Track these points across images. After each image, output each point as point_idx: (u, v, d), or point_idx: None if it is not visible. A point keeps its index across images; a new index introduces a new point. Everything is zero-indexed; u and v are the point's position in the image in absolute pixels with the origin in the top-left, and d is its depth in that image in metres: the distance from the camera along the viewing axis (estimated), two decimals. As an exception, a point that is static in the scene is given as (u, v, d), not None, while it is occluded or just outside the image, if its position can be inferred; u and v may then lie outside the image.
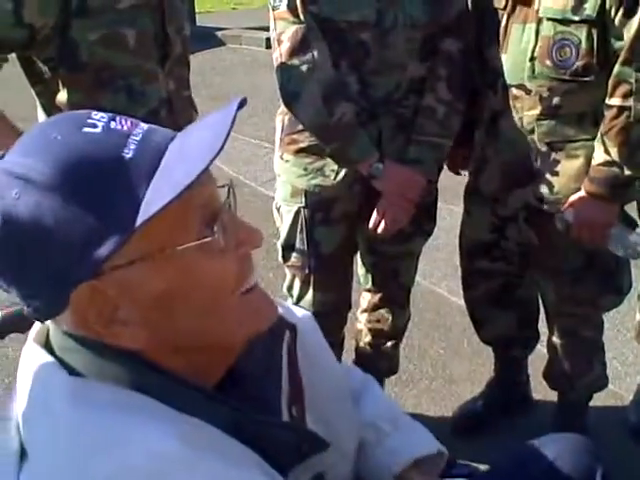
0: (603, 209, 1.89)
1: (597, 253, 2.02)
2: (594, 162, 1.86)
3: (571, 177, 1.94)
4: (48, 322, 0.87)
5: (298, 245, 2.13)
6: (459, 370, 2.82)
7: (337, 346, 2.33)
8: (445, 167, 2.27)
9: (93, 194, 0.78)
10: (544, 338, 2.45)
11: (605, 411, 2.52)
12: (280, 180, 2.16)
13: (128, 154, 0.79)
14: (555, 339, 2.29)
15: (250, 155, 4.64)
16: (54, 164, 0.78)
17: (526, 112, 1.94)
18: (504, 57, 1.93)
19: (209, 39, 7.52)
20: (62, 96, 1.87)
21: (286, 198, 2.13)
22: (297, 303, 2.20)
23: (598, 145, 1.84)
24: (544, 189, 1.98)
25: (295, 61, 1.93)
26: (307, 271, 2.15)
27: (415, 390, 2.56)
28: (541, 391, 2.57)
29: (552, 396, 2.49)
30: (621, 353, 2.80)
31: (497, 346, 2.48)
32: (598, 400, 2.46)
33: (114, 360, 0.83)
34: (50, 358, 0.85)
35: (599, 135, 1.84)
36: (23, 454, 0.83)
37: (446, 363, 2.86)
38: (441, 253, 3.36)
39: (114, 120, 0.83)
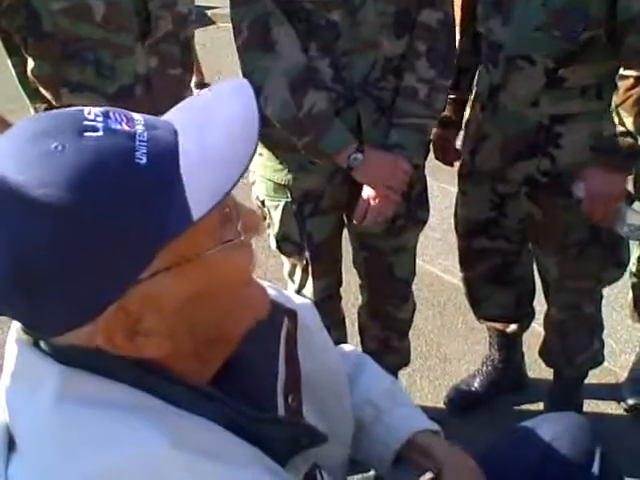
0: (616, 180, 1.88)
1: (601, 226, 2.01)
2: (606, 133, 1.83)
3: (574, 150, 1.92)
4: None
5: (292, 237, 2.04)
6: (454, 349, 2.81)
7: (340, 326, 2.29)
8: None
9: (114, 214, 0.71)
10: (539, 316, 2.44)
11: (600, 388, 2.52)
12: (257, 175, 2.05)
13: (142, 160, 0.73)
14: (556, 315, 2.28)
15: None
16: (67, 186, 0.70)
17: (530, 84, 1.90)
18: (507, 29, 1.87)
19: (199, 18, 7.41)
20: (31, 66, 1.86)
21: (269, 194, 2.02)
22: (299, 291, 2.15)
23: (610, 117, 1.82)
24: (547, 162, 1.96)
25: (255, 52, 1.80)
26: (305, 262, 2.09)
27: (410, 369, 2.54)
28: (536, 369, 2.57)
29: (547, 374, 2.49)
30: (615, 331, 2.79)
31: (493, 324, 2.46)
32: (593, 378, 2.46)
33: (108, 358, 0.79)
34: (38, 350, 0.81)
35: (612, 106, 1.81)
36: (11, 442, 0.80)
37: (441, 342, 2.85)
38: (435, 232, 3.34)
39: (109, 117, 0.76)
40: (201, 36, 6.76)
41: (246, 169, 0.73)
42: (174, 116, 0.82)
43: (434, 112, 1.93)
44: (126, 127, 0.75)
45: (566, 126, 1.92)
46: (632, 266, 2.40)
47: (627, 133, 1.81)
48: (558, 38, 1.81)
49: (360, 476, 1.30)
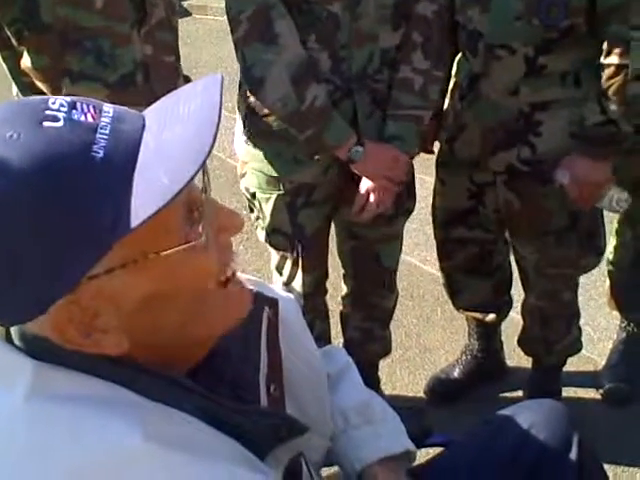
0: (601, 168, 1.89)
1: (580, 214, 2.03)
2: (589, 122, 1.85)
3: (554, 137, 1.93)
4: None
5: (283, 229, 2.04)
6: (433, 339, 2.82)
7: (325, 318, 2.30)
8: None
9: (65, 206, 0.70)
10: (516, 305, 2.46)
11: (578, 376, 2.54)
12: (248, 167, 2.04)
13: (99, 153, 0.71)
14: (534, 303, 2.30)
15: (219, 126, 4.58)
16: (17, 175, 0.69)
17: (510, 73, 1.90)
18: (485, 17, 1.87)
19: (174, 10, 7.41)
20: (27, 60, 1.83)
21: (261, 186, 2.02)
22: (288, 284, 2.15)
23: (593, 105, 1.83)
24: (527, 150, 1.96)
25: (257, 44, 1.79)
26: (295, 254, 2.09)
27: (389, 360, 2.55)
28: (514, 358, 2.59)
29: (525, 362, 2.51)
30: (594, 319, 2.82)
31: (472, 314, 2.47)
32: (571, 365, 2.48)
33: (78, 353, 0.78)
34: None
35: (595, 94, 1.83)
36: None
37: (420, 332, 2.86)
38: (412, 223, 3.32)
39: (75, 108, 0.74)
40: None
41: (199, 169, 0.71)
42: (150, 110, 0.81)
43: (429, 103, 1.95)
44: (90, 119, 0.74)
45: (546, 113, 1.93)
46: (609, 255, 2.42)
47: (610, 121, 1.82)
48: (538, 27, 1.82)
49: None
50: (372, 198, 1.91)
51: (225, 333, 0.87)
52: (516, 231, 2.19)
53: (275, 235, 2.07)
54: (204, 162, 0.71)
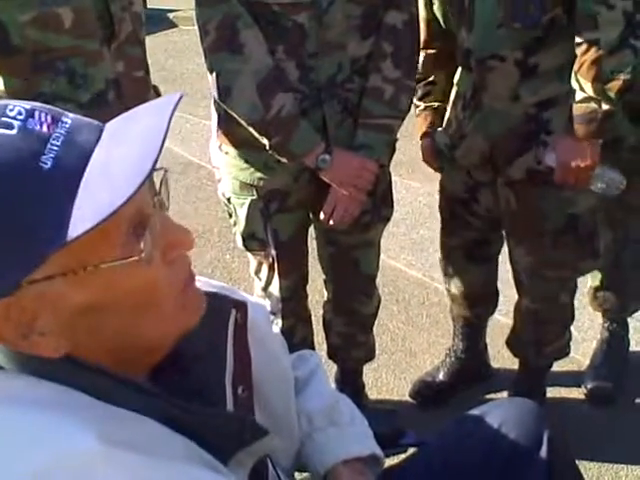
0: (584, 148, 1.88)
1: (579, 216, 2.03)
2: (572, 101, 1.85)
3: (566, 130, 1.92)
4: None
5: (258, 235, 2.05)
6: (418, 343, 2.83)
7: (306, 323, 2.30)
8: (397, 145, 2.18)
9: (8, 211, 0.72)
10: (501, 307, 2.47)
11: (562, 376, 2.55)
12: (222, 172, 2.06)
13: (46, 165, 0.72)
14: (529, 305, 2.29)
15: (205, 137, 4.59)
16: None
17: (506, 80, 1.92)
18: (471, 34, 1.90)
19: (161, 21, 7.41)
20: None
21: (235, 191, 2.03)
22: (265, 288, 2.16)
23: (574, 84, 1.83)
24: (541, 150, 1.95)
25: (223, 53, 1.80)
26: (271, 259, 2.09)
27: (375, 364, 2.55)
28: (499, 359, 2.60)
29: (510, 364, 2.52)
30: (577, 319, 2.81)
31: (461, 303, 2.47)
32: (556, 365, 2.48)
33: (35, 357, 0.79)
34: None
35: (573, 74, 1.82)
36: None
37: (405, 336, 2.87)
38: (399, 227, 3.36)
39: (32, 117, 0.75)
40: (163, 40, 6.75)
41: (136, 191, 0.72)
42: (111, 124, 0.81)
43: (399, 112, 1.95)
44: (44, 129, 0.75)
45: (552, 110, 1.93)
46: None
47: (589, 98, 1.81)
48: (520, 29, 1.83)
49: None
50: (340, 206, 1.92)
51: (178, 338, 0.88)
52: (513, 231, 2.19)
53: (250, 240, 2.08)
54: (142, 184, 0.72)
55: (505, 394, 2.47)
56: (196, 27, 1.86)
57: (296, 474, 1.24)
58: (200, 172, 4.22)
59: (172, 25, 7.39)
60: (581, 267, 2.20)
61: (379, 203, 2.09)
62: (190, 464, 0.82)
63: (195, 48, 1.84)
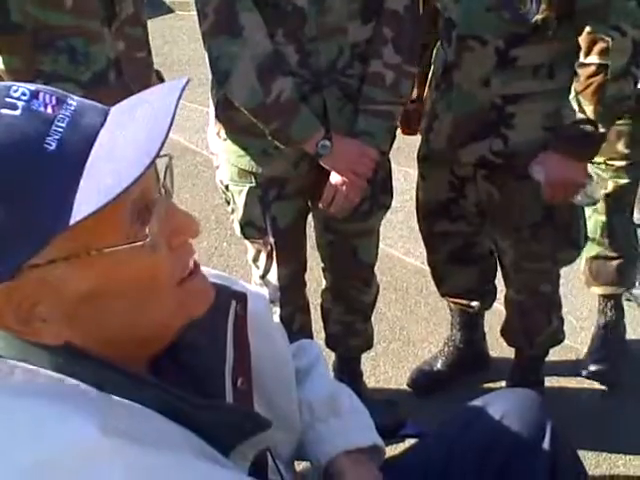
0: (577, 167, 1.89)
1: (555, 208, 2.02)
2: (566, 121, 1.84)
3: (527, 130, 1.93)
4: None
5: (257, 222, 2.03)
6: (417, 331, 2.82)
7: (304, 311, 2.29)
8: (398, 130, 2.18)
9: (11, 192, 0.71)
10: (500, 296, 2.46)
11: (561, 365, 2.55)
12: (220, 159, 2.04)
13: (51, 146, 0.72)
14: (514, 296, 2.30)
15: (202, 123, 4.58)
16: None
17: (481, 64, 1.89)
18: (458, 6, 1.86)
19: (157, 6, 7.35)
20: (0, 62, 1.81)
21: (233, 179, 2.01)
22: (264, 276, 2.15)
23: (570, 103, 1.82)
24: (499, 142, 1.96)
25: (222, 37, 1.78)
26: (269, 247, 2.08)
27: (373, 352, 2.55)
28: (497, 348, 2.59)
29: (509, 353, 2.50)
30: (576, 308, 2.83)
31: (456, 300, 2.47)
32: (554, 355, 2.49)
33: (38, 345, 0.78)
34: None
35: (572, 94, 1.82)
36: None
37: (403, 325, 2.86)
38: (396, 215, 3.34)
39: (36, 98, 0.75)
40: (159, 25, 6.70)
41: (142, 175, 0.71)
42: (116, 107, 0.80)
43: (400, 98, 1.93)
44: (49, 110, 0.74)
45: (518, 106, 1.92)
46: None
47: (587, 120, 1.81)
48: (507, 20, 1.81)
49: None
50: (339, 193, 1.91)
51: (181, 328, 0.87)
52: (495, 224, 2.19)
53: (248, 228, 2.06)
54: (148, 167, 0.71)
55: (503, 383, 2.47)
56: (193, 13, 1.84)
57: (295, 463, 1.23)
58: (197, 158, 4.20)
59: (169, 10, 7.34)
60: (560, 258, 2.20)
61: (378, 191, 2.08)
62: (191, 455, 0.81)
63: (192, 34, 1.83)
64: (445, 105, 2.02)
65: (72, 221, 0.71)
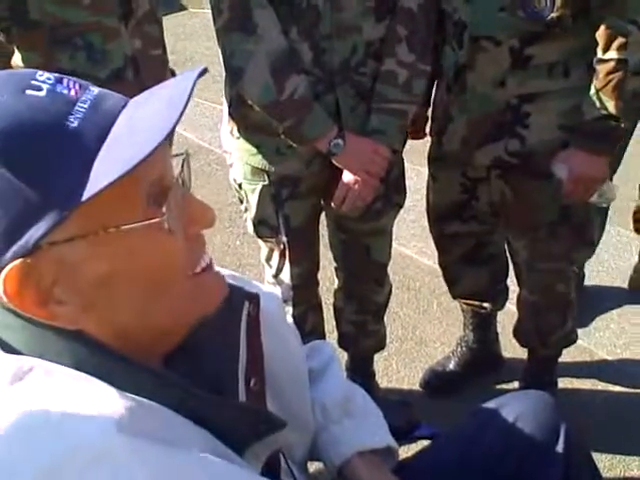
0: (598, 163, 1.88)
1: (571, 207, 2.02)
2: (588, 117, 1.83)
3: (543, 129, 1.92)
4: None
5: (269, 221, 2.03)
6: (429, 331, 2.81)
7: (317, 310, 2.29)
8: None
9: (32, 166, 0.72)
10: (512, 296, 2.45)
11: (574, 366, 2.54)
12: (234, 157, 2.04)
13: (73, 123, 0.74)
14: (527, 296, 2.29)
15: (215, 121, 4.58)
16: None
17: (495, 65, 1.88)
18: (470, 8, 1.85)
19: (170, 4, 7.36)
20: (17, 58, 1.82)
21: (246, 177, 2.01)
22: (276, 275, 2.14)
23: (592, 99, 1.81)
24: (516, 143, 1.95)
25: (237, 33, 1.78)
26: (282, 246, 2.08)
27: (385, 352, 2.54)
28: (510, 349, 2.58)
29: (521, 353, 2.50)
30: (589, 308, 2.81)
31: (468, 301, 2.46)
32: (568, 356, 2.47)
33: (57, 338, 0.78)
34: None
35: (593, 90, 1.80)
36: None
37: (416, 324, 2.85)
38: (409, 214, 3.33)
39: (60, 83, 0.77)
40: (172, 23, 6.71)
41: (159, 145, 0.71)
42: (135, 98, 0.82)
43: (414, 97, 1.92)
44: (72, 93, 0.77)
45: (534, 105, 1.90)
46: None
47: (609, 116, 1.80)
48: (522, 19, 1.79)
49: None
50: (352, 191, 1.90)
51: (195, 324, 0.87)
52: (509, 224, 2.18)
53: (261, 226, 2.06)
54: (166, 137, 0.72)
55: (516, 384, 2.46)
56: (206, 10, 1.84)
57: (309, 464, 1.23)
58: (210, 157, 4.20)
59: (182, 8, 7.35)
60: (576, 257, 2.19)
61: (391, 190, 2.07)
62: (206, 454, 0.80)
63: (205, 31, 1.84)
64: (458, 107, 2.00)
65: (90, 193, 0.71)
